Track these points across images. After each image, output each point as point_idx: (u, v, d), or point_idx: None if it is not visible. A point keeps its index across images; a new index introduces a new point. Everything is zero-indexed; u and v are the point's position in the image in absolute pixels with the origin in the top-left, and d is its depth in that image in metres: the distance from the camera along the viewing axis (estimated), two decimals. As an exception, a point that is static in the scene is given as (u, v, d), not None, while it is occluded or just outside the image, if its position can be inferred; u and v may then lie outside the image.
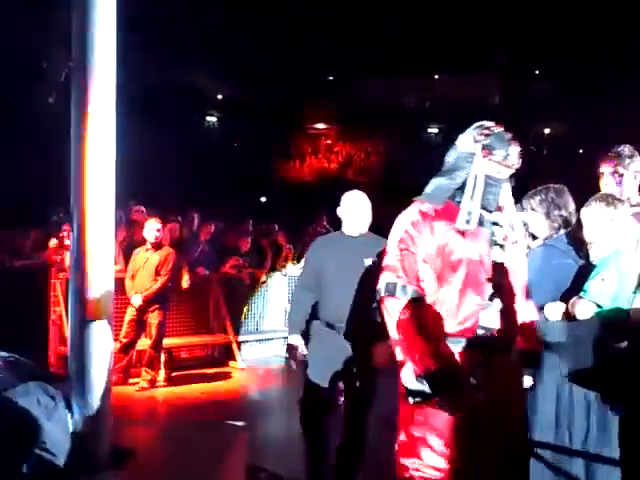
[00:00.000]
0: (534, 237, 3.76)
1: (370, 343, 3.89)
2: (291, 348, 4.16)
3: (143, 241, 7.27)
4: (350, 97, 30.38)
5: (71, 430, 1.91)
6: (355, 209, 4.27)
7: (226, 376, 7.27)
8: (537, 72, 30.90)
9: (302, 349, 4.09)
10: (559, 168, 18.73)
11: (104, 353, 1.14)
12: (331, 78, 31.46)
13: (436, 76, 31.63)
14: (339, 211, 4.32)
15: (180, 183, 19.05)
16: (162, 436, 1.33)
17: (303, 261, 4.38)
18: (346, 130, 29.77)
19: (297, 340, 4.13)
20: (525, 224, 3.61)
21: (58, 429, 1.93)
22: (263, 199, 25.21)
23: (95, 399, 1.15)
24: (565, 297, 3.25)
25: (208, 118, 30.36)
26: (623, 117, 23.79)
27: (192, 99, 26.84)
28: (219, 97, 31.00)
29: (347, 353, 4.00)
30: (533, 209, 3.60)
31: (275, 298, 9.13)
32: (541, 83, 30.53)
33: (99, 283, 1.15)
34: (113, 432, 1.17)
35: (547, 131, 30.92)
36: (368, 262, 4.03)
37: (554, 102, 28.70)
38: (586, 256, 3.39)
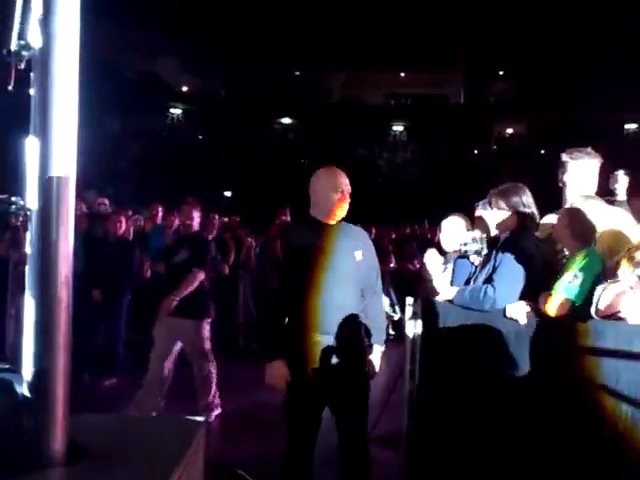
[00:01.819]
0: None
1: (360, 347, 3.43)
2: (274, 378, 3.33)
3: (105, 234, 7.17)
4: (315, 92, 30.44)
5: (23, 424, 1.86)
6: (336, 189, 3.44)
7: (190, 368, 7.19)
8: (501, 73, 31.35)
9: (288, 377, 3.31)
10: (520, 167, 19.03)
11: (61, 343, 1.13)
12: (297, 73, 31.45)
13: (402, 74, 31.88)
14: (311, 192, 3.50)
15: (144, 175, 18.85)
16: (120, 431, 1.31)
17: (271, 255, 3.79)
18: (311, 125, 29.79)
19: (282, 368, 3.31)
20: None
21: (8, 423, 1.88)
22: (228, 193, 25.10)
23: (50, 392, 1.13)
24: (528, 291, 3.30)
25: (172, 110, 30.07)
26: (589, 118, 24.33)
27: (157, 91, 26.56)
28: (184, 89, 30.73)
29: (335, 362, 3.35)
30: (501, 207, 3.65)
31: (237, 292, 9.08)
32: (504, 83, 30.99)
33: (57, 275, 1.13)
34: (68, 427, 1.16)
35: (509, 131, 31.41)
36: (359, 255, 3.44)
37: (517, 102, 29.17)
38: (551, 252, 3.45)
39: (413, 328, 3.61)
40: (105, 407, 5.36)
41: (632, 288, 2.90)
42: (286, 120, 31.57)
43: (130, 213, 8.83)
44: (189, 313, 5.31)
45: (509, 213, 3.64)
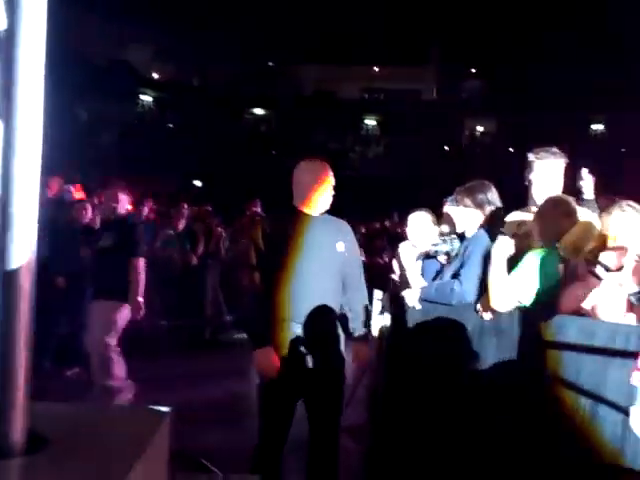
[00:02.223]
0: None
1: (337, 339, 3.42)
2: (264, 364, 3.32)
3: (71, 221, 7.08)
4: (289, 84, 30.34)
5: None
6: (319, 181, 3.49)
7: (156, 360, 7.14)
8: (473, 71, 31.59)
9: (277, 363, 3.31)
10: (489, 165, 19.22)
11: (22, 330, 1.10)
12: (271, 64, 31.30)
13: (376, 68, 31.93)
14: (295, 183, 3.52)
15: (113, 163, 18.61)
16: (81, 420, 1.30)
17: (250, 246, 3.54)
18: (284, 116, 29.70)
19: (271, 354, 3.31)
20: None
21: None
22: (198, 183, 24.89)
23: (9, 380, 1.11)
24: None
25: (143, 98, 29.69)
26: (557, 117, 24.65)
27: (127, 78, 26.20)
28: (155, 76, 30.37)
29: (311, 353, 3.36)
30: (467, 205, 3.68)
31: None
32: (476, 81, 31.25)
33: (19, 262, 1.11)
34: (28, 416, 1.14)
35: (480, 128, 31.69)
36: (341, 247, 3.46)
37: (488, 101, 29.43)
38: (517, 249, 3.51)
39: (381, 322, 3.63)
40: (67, 397, 5.30)
41: (595, 286, 2.96)
42: (258, 111, 31.42)
43: (97, 201, 8.72)
44: (110, 294, 5.18)
45: (475, 210, 3.68)
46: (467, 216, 3.71)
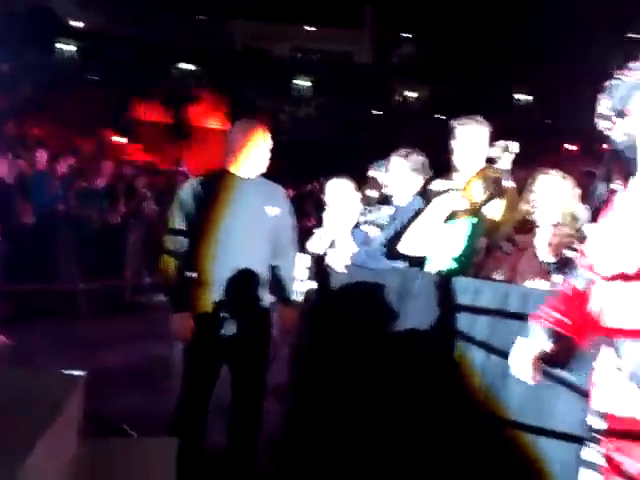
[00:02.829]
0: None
1: (262, 303, 3.42)
2: (179, 330, 3.29)
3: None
4: (219, 40, 29.60)
5: None
6: (254, 143, 3.40)
7: (73, 324, 6.95)
8: (408, 36, 31.65)
9: (193, 329, 3.27)
10: (420, 132, 19.45)
11: None
12: (201, 18, 30.42)
13: (310, 28, 31.53)
14: (227, 144, 3.43)
15: (30, 116, 17.78)
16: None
17: (174, 207, 3.43)
18: (214, 74, 29.01)
19: (187, 320, 3.28)
20: None
21: None
22: (123, 140, 24.12)
23: None
24: None
25: (65, 47, 28.33)
26: (488, 89, 25.07)
27: (48, 24, 24.89)
28: (80, 26, 29.03)
29: (236, 317, 3.34)
30: (397, 170, 3.70)
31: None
32: (410, 47, 31.35)
33: None
34: None
35: (412, 94, 31.91)
36: (272, 212, 3.40)
37: (421, 67, 29.63)
38: None
39: (307, 286, 3.67)
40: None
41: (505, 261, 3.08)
42: (187, 66, 30.57)
43: (10, 157, 8.34)
44: None
45: (405, 176, 3.73)
46: (397, 181, 3.73)
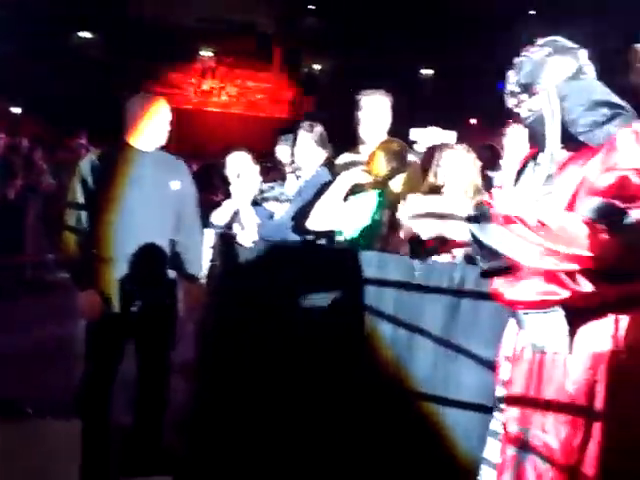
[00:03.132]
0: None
1: (166, 279, 3.40)
2: (87, 308, 3.26)
3: None
4: (121, 8, 28.43)
5: None
6: (156, 114, 3.36)
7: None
8: (312, 7, 31.47)
9: (101, 306, 3.26)
10: (326, 104, 19.50)
11: None
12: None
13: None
14: (126, 116, 3.35)
15: None
16: None
17: (74, 181, 3.34)
18: (117, 42, 27.84)
19: (94, 297, 3.25)
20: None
21: None
22: (18, 110, 22.84)
23: None
24: None
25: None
26: (396, 63, 25.30)
27: None
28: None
29: (139, 293, 3.32)
30: (304, 142, 3.69)
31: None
32: (314, 19, 31.19)
33: None
34: None
35: (317, 67, 31.85)
36: (174, 185, 3.38)
37: (327, 39, 29.55)
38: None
39: (210, 260, 3.61)
40: None
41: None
42: (85, 34, 29.18)
43: None
44: None
45: (310, 149, 3.72)
46: (307, 155, 3.72)
